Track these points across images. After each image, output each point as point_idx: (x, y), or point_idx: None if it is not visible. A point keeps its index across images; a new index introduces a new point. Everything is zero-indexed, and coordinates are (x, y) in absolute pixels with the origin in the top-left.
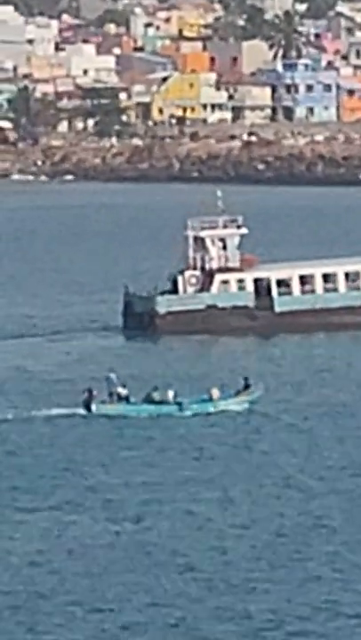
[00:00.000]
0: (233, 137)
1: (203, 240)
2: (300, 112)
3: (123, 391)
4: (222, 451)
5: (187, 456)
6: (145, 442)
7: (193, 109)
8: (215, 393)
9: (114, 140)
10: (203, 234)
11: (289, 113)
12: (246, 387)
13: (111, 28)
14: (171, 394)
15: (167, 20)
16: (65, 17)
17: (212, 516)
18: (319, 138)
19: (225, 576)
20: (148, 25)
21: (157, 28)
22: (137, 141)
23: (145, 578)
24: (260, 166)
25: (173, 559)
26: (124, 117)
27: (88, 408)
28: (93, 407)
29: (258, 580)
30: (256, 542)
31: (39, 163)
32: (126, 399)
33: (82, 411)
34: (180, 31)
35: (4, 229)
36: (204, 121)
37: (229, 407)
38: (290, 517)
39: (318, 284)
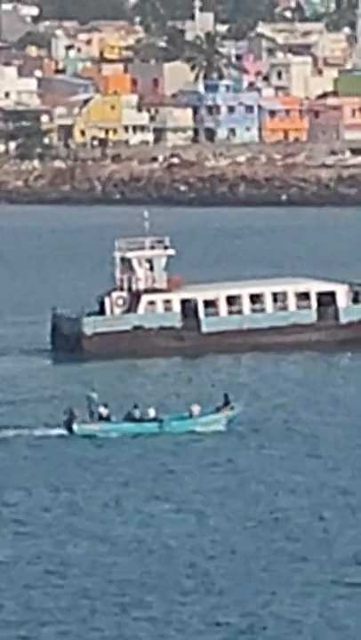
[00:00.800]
0: (155, 159)
1: (130, 261)
2: (221, 133)
3: (104, 410)
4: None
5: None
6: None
7: (115, 131)
8: (195, 409)
9: (36, 162)
10: (130, 255)
11: (211, 134)
12: (226, 403)
13: (32, 50)
14: (152, 411)
15: (88, 43)
16: None
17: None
18: (241, 159)
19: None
20: (69, 47)
21: (79, 50)
22: (59, 164)
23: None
24: (183, 187)
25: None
26: (45, 140)
27: (70, 428)
28: (75, 427)
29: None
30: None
31: None
32: (107, 418)
33: (63, 431)
34: (102, 53)
35: None
36: (126, 143)
37: (211, 424)
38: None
39: (245, 305)
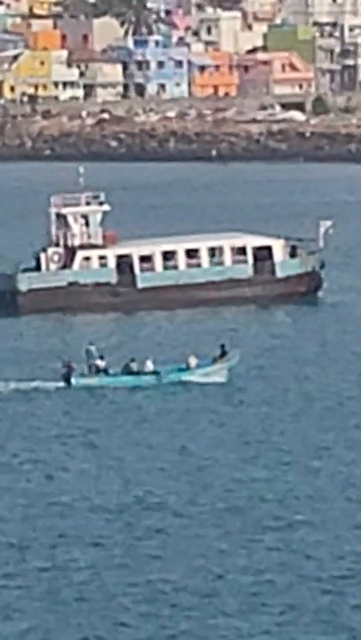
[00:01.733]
0: (85, 114)
1: (65, 217)
2: (151, 89)
3: (101, 363)
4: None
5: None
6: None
7: (45, 87)
8: (192, 361)
9: None
10: (65, 211)
11: (141, 89)
12: (223, 354)
13: None
14: (150, 364)
15: None
16: None
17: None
18: (171, 114)
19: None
20: None
21: (8, 6)
22: None
23: None
24: (113, 143)
25: None
26: None
27: (68, 381)
28: (73, 380)
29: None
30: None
31: None
32: (105, 371)
33: (61, 384)
34: (31, 9)
35: None
36: (56, 98)
37: (210, 375)
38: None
39: (181, 260)
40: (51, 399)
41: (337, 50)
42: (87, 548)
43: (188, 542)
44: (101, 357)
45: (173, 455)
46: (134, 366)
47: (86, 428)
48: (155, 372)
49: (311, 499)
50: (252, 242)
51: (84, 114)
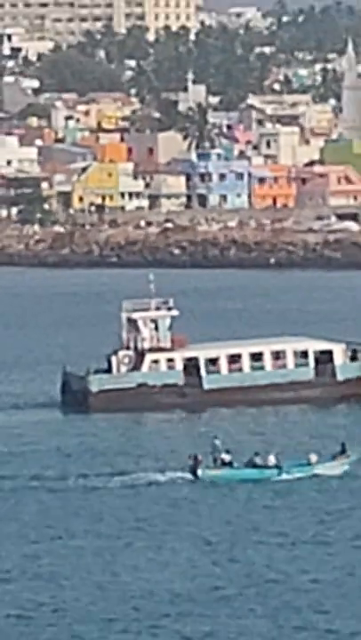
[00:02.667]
0: (150, 223)
1: (135, 321)
2: (213, 199)
3: (227, 457)
4: None
5: None
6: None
7: (112, 197)
8: (313, 457)
9: (36, 227)
10: (135, 315)
11: (203, 200)
12: (343, 452)
13: (33, 121)
14: (272, 458)
15: (87, 113)
16: None
17: None
18: (232, 224)
19: None
20: (68, 118)
21: (77, 120)
22: (59, 228)
23: None
24: (177, 251)
25: None
26: (46, 205)
27: (194, 473)
28: (200, 472)
29: None
30: None
31: None
32: (230, 464)
33: (189, 476)
34: (99, 123)
35: None
36: (123, 208)
37: (330, 470)
38: None
39: (246, 363)
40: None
41: None
42: None
43: None
44: (227, 451)
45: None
46: (258, 460)
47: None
48: (277, 467)
49: None
50: (313, 346)
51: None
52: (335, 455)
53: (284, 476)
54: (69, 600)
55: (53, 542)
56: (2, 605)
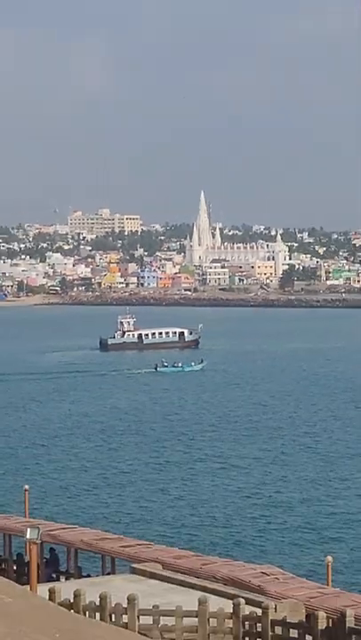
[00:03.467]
0: None
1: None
2: None
3: (165, 364)
4: None
5: None
6: None
7: None
8: (193, 364)
9: None
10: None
11: None
12: (201, 361)
13: None
14: (180, 364)
15: None
16: None
17: None
18: None
19: None
20: None
21: None
22: None
23: None
24: None
25: None
26: None
27: (156, 369)
28: (158, 369)
29: None
30: None
31: None
32: (166, 366)
33: (153, 370)
34: None
35: None
36: None
37: (195, 368)
38: None
39: None
40: None
41: None
42: None
43: None
44: (164, 363)
45: None
46: (176, 365)
47: None
48: (181, 367)
49: None
50: None
51: None
52: (198, 362)
53: (187, 369)
54: None
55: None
56: None
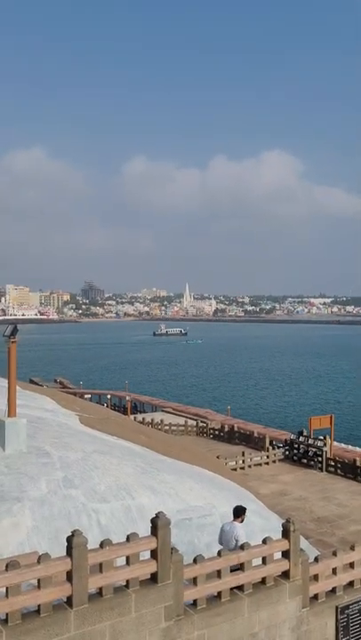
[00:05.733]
0: None
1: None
2: None
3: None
4: None
5: None
6: None
7: None
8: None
9: None
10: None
11: None
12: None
13: None
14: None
15: None
16: None
17: None
18: None
19: None
20: None
21: None
22: None
23: None
24: None
25: None
26: None
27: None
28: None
29: None
30: None
31: None
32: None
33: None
34: None
35: None
36: None
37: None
38: None
39: None
40: None
41: None
42: None
43: None
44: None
45: None
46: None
47: None
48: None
49: None
50: None
51: None
52: (200, 340)
53: (199, 342)
54: None
55: None
56: None
